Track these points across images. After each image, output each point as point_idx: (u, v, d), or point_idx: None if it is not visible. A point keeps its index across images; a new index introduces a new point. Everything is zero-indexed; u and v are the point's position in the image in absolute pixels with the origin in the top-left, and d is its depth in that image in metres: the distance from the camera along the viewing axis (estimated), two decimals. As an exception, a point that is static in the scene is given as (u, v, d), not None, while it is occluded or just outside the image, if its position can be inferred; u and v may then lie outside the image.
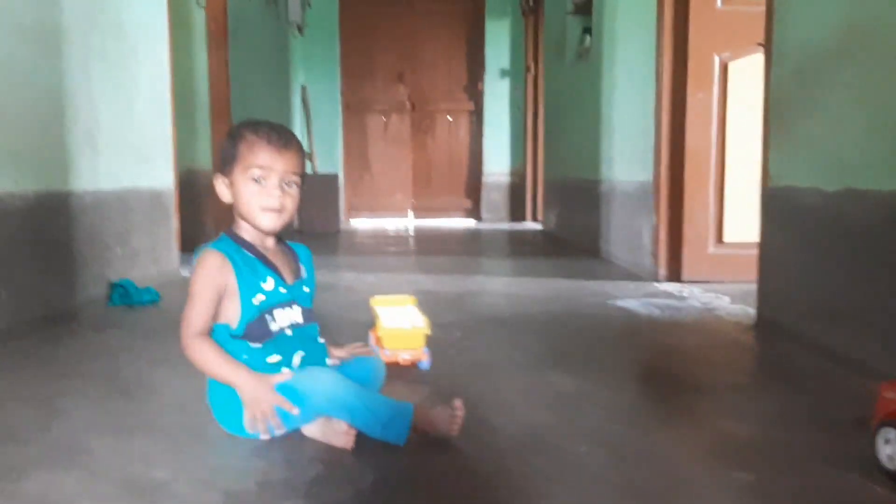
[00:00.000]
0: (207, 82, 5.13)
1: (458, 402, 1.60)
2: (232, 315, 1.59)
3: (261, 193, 1.58)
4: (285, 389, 1.57)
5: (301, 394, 1.55)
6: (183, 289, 3.65)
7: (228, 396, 1.60)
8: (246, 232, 1.66)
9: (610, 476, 1.45)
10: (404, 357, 2.17)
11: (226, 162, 1.59)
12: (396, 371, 2.12)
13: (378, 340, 2.21)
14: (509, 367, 2.26)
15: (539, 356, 2.40)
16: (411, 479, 1.45)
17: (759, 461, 1.53)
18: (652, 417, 1.80)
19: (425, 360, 2.19)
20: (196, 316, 1.54)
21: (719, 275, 3.74)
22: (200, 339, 1.55)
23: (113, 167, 3.43)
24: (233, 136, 1.59)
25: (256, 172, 1.57)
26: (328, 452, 1.56)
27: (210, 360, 1.54)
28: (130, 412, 1.83)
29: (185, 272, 4.22)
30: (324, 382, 1.55)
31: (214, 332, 1.60)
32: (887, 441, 1.43)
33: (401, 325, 2.23)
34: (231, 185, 1.61)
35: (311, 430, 1.63)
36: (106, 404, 1.89)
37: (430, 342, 2.27)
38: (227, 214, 1.69)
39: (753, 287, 2.90)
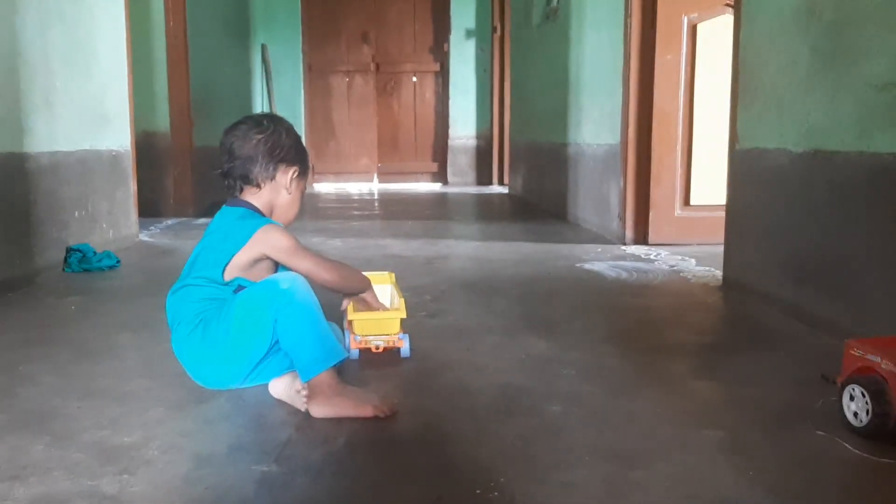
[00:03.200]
0: (165, 43, 4.99)
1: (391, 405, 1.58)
2: (261, 276, 1.71)
3: (299, 207, 1.87)
4: (271, 283, 1.62)
5: (284, 287, 1.60)
6: (142, 253, 3.63)
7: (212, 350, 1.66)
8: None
9: (584, 436, 1.46)
10: (377, 344, 1.94)
11: (304, 167, 1.84)
12: (370, 358, 1.95)
13: (349, 325, 1.98)
14: (481, 330, 2.25)
15: (510, 319, 2.40)
16: (384, 441, 1.44)
17: (729, 419, 1.55)
18: (623, 378, 1.82)
19: (404, 346, 1.95)
20: (313, 253, 1.77)
21: (686, 237, 3.77)
22: (333, 261, 1.84)
23: (71, 129, 3.33)
24: (305, 154, 1.86)
25: (303, 190, 1.88)
26: (299, 416, 1.55)
27: (349, 269, 1.90)
28: (97, 377, 1.80)
29: (144, 237, 4.15)
30: (307, 285, 1.64)
31: (222, 283, 1.69)
32: (852, 398, 1.46)
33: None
34: (291, 185, 1.81)
35: (278, 389, 1.65)
36: (72, 369, 1.85)
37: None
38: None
39: (719, 249, 2.93)
